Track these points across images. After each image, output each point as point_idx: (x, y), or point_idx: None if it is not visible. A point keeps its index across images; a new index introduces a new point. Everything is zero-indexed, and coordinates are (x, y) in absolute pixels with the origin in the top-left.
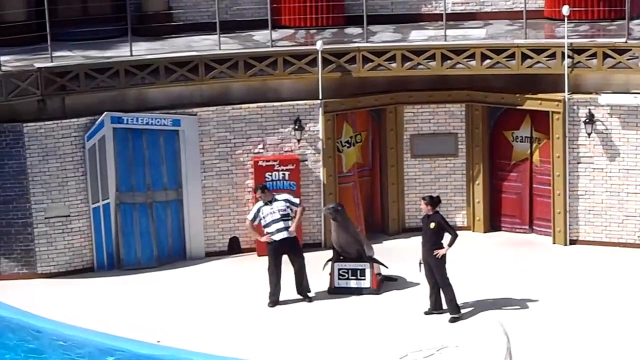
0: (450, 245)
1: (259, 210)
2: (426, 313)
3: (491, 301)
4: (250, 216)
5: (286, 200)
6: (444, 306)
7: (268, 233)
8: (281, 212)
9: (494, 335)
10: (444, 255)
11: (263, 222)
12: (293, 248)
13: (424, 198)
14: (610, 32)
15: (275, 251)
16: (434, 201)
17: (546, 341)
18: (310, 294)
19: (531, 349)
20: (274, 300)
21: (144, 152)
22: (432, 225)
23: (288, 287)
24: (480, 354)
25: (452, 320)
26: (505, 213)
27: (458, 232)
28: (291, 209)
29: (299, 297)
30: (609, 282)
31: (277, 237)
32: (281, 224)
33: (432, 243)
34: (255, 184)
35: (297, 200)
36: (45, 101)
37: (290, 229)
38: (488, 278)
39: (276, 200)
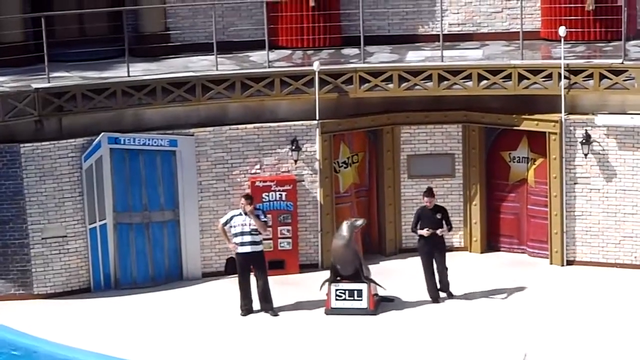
0: (447, 230)
1: (231, 218)
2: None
3: (488, 322)
4: (223, 220)
5: (257, 216)
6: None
7: (236, 243)
8: (252, 227)
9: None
10: (444, 244)
11: (233, 230)
12: (257, 263)
13: (424, 195)
14: (606, 53)
15: (240, 263)
16: (431, 193)
17: None
18: (274, 310)
19: None
20: (246, 309)
21: (141, 172)
22: (439, 216)
23: (280, 309)
24: None
25: (450, 296)
26: (503, 234)
27: (455, 253)
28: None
29: (294, 316)
30: (606, 303)
31: (241, 249)
32: (248, 238)
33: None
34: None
35: (265, 219)
36: (42, 122)
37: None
38: (486, 299)
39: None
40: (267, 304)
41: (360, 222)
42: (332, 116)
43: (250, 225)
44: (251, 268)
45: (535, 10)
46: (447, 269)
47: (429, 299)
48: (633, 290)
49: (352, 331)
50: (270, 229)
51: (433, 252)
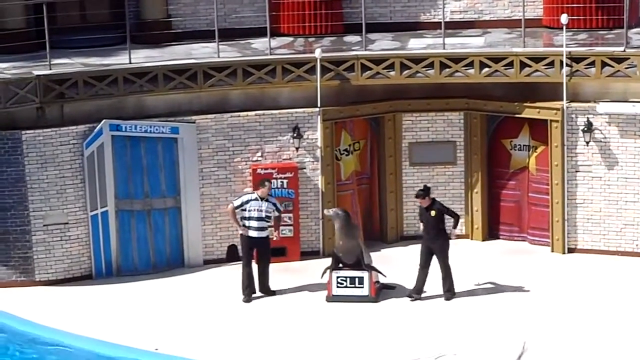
0: (455, 227)
1: (247, 202)
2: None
3: (490, 310)
4: (236, 203)
5: (274, 204)
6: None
7: (245, 226)
8: (266, 213)
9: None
10: (447, 243)
11: (246, 214)
12: (265, 248)
13: (417, 195)
14: (608, 40)
15: (247, 245)
16: (426, 192)
17: (548, 350)
18: (273, 292)
19: (534, 357)
20: (248, 293)
21: (143, 159)
22: (433, 213)
23: (282, 296)
24: None
25: (448, 298)
26: (504, 221)
27: (456, 240)
28: (274, 213)
29: (295, 303)
30: (608, 291)
31: (253, 233)
32: (262, 223)
33: (437, 230)
34: (262, 179)
35: (282, 208)
36: (43, 109)
37: (274, 234)
38: (487, 286)
39: (267, 200)
40: (265, 287)
41: (334, 209)
42: (334, 103)
43: (265, 211)
44: (254, 249)
45: None
46: (448, 269)
47: (431, 289)
48: (634, 278)
49: (353, 318)
50: None
51: (430, 248)
